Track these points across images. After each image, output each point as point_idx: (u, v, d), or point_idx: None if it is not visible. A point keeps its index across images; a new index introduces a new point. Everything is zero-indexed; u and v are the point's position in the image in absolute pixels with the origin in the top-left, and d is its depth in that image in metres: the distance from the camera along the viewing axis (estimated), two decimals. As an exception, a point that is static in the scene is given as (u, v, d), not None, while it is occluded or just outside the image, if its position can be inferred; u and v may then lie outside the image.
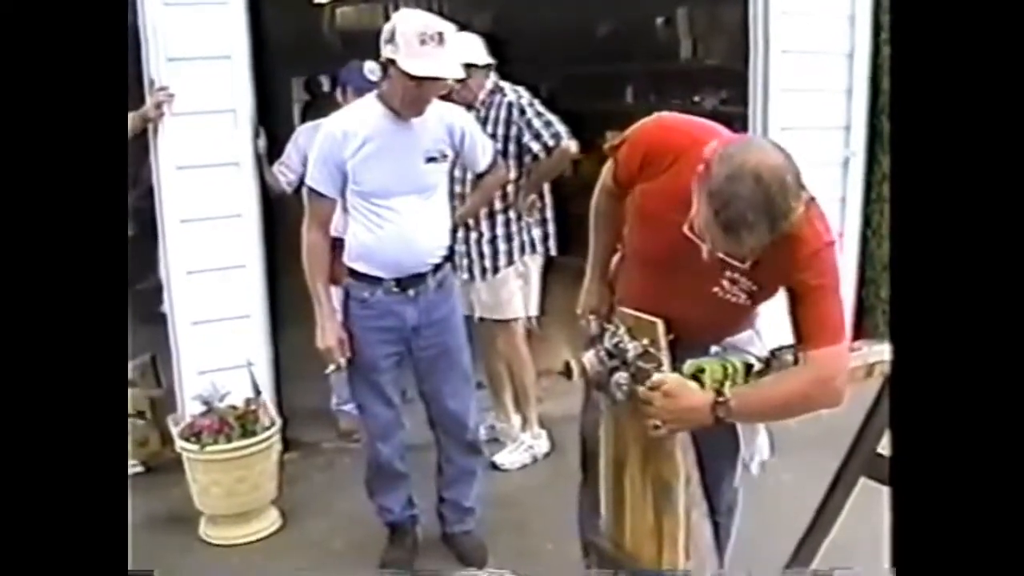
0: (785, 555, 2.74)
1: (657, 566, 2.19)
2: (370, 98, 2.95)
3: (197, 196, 3.77)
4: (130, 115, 3.48)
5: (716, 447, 2.30)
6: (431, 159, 2.95)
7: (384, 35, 2.78)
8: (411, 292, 3.00)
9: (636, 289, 2.30)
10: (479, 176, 3.37)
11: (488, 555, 3.29)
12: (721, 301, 2.12)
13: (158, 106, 3.63)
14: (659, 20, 7.01)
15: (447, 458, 3.29)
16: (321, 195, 2.95)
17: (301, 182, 4.15)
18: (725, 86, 5.96)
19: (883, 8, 4.77)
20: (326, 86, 4.09)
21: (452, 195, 3.45)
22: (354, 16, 8.70)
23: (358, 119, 2.92)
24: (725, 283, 2.10)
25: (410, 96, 2.82)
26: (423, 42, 2.72)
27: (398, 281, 2.98)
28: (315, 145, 2.99)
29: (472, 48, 3.80)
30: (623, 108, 6.56)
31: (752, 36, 4.65)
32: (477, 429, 3.38)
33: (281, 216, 4.63)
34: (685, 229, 1.95)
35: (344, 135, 2.88)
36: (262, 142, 3.96)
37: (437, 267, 3.05)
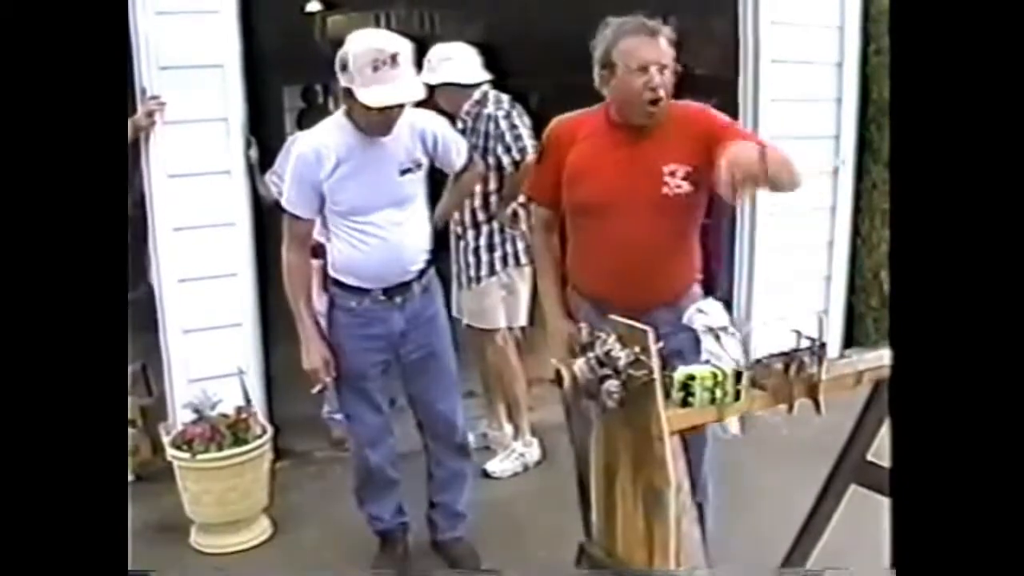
0: (776, 560, 2.75)
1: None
2: (338, 116, 2.90)
3: (189, 204, 3.77)
4: (122, 123, 3.49)
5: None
6: (406, 170, 2.92)
7: (338, 63, 2.75)
8: (398, 300, 3.01)
9: (599, 249, 2.59)
10: (456, 175, 3.30)
11: (480, 562, 3.28)
12: (673, 200, 2.49)
13: (149, 115, 3.64)
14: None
15: (437, 462, 3.28)
16: (298, 217, 2.94)
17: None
18: (715, 95, 5.93)
19: (871, 18, 4.81)
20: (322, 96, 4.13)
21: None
22: (345, 24, 8.67)
23: (329, 139, 2.88)
24: (668, 179, 2.47)
25: (374, 121, 2.80)
26: (376, 68, 2.68)
27: (385, 291, 2.99)
28: (289, 167, 2.97)
29: (467, 65, 3.82)
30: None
31: (742, 46, 4.68)
32: (465, 431, 3.38)
33: (273, 225, 4.62)
34: (612, 113, 2.55)
35: (317, 157, 2.85)
36: (254, 152, 3.97)
37: (421, 272, 3.05)
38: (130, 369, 4.05)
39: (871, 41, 4.85)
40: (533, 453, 4.17)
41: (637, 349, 2.08)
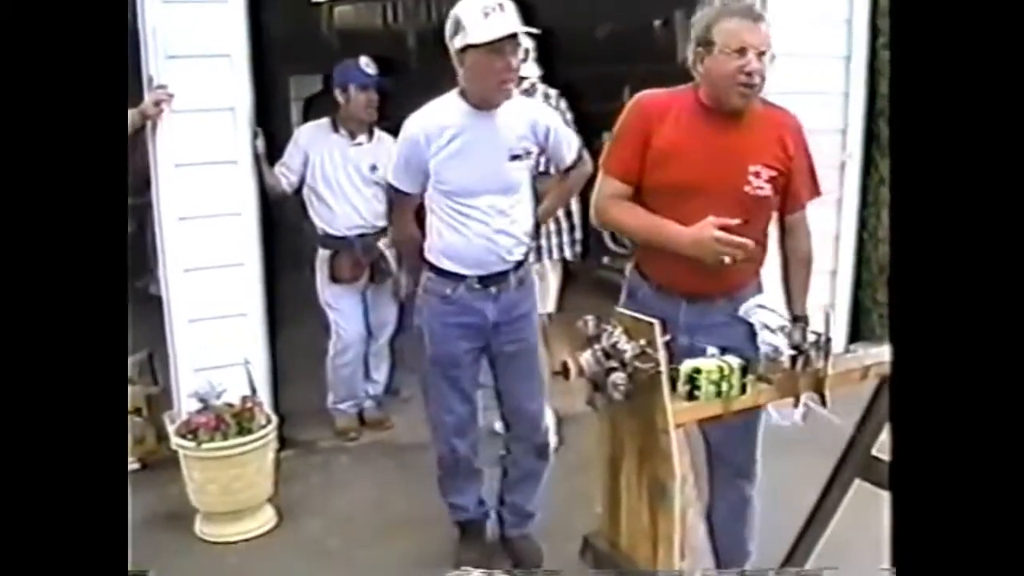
0: (779, 555, 2.76)
1: (652, 566, 2.19)
2: (452, 95, 2.88)
3: (195, 194, 3.77)
4: (129, 112, 3.48)
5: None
6: (515, 157, 2.90)
7: (449, 30, 2.79)
8: (492, 290, 2.96)
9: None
10: (565, 171, 3.21)
11: (543, 559, 3.22)
12: (752, 198, 2.48)
13: (157, 104, 3.63)
14: (657, 23, 7.03)
15: (514, 461, 3.26)
16: (406, 193, 2.96)
17: (302, 182, 4.19)
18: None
19: (880, 12, 4.78)
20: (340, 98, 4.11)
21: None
22: (352, 15, 8.71)
23: (441, 117, 2.87)
24: (752, 179, 2.47)
25: (490, 72, 2.76)
26: (486, 14, 2.71)
27: (480, 279, 2.95)
28: (397, 145, 2.98)
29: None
30: (621, 110, 6.55)
31: (750, 38, 4.66)
32: (547, 431, 3.33)
33: (280, 215, 4.64)
34: (701, 96, 2.52)
35: (426, 137, 2.84)
36: (260, 143, 3.96)
37: (519, 264, 3.01)
38: (136, 358, 4.07)
39: (879, 35, 4.82)
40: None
41: (643, 342, 2.08)
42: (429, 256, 2.99)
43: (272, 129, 4.21)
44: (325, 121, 4.27)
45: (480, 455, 3.24)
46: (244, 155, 3.89)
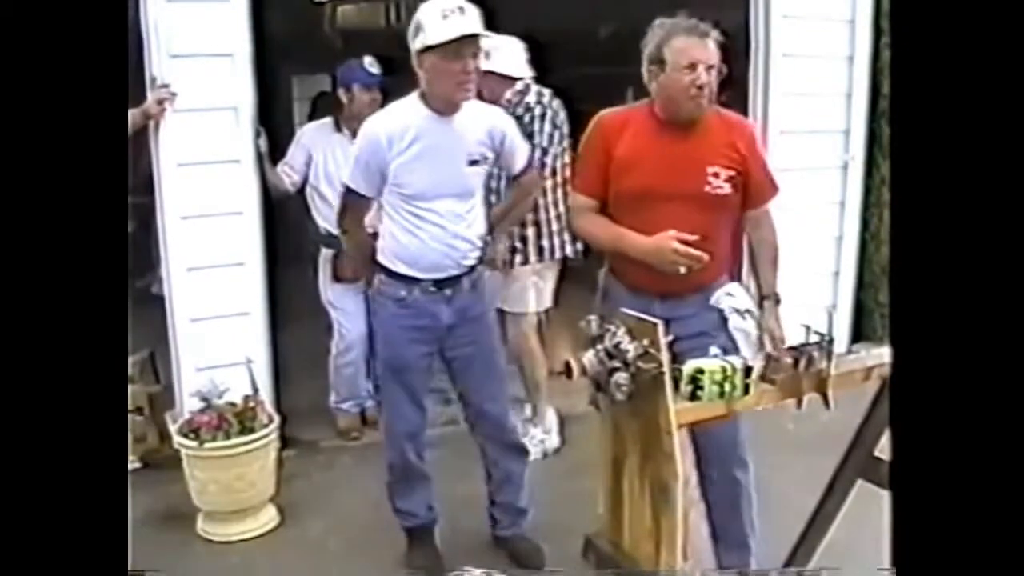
0: (781, 556, 2.75)
1: (655, 566, 2.19)
2: (412, 98, 2.89)
3: (198, 193, 3.77)
4: (132, 111, 3.48)
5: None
6: (473, 162, 2.92)
7: (411, 32, 2.80)
8: (447, 292, 2.98)
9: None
10: (514, 178, 3.27)
11: (544, 560, 3.19)
12: (713, 198, 2.66)
13: (159, 103, 3.63)
14: (660, 23, 7.03)
15: (493, 462, 3.27)
16: (361, 195, 2.95)
17: (304, 182, 4.19)
18: (725, 89, 5.93)
19: (883, 13, 4.78)
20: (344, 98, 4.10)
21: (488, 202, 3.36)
22: (355, 14, 8.71)
23: (402, 120, 2.87)
24: (710, 179, 2.64)
25: (448, 74, 2.76)
26: (445, 16, 2.71)
27: (435, 282, 2.96)
28: (356, 146, 2.96)
29: (515, 57, 3.88)
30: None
31: (753, 39, 4.66)
32: (515, 429, 3.35)
33: (281, 214, 4.64)
34: (657, 110, 2.68)
35: (388, 139, 2.83)
36: (263, 142, 3.97)
37: (472, 268, 3.03)
38: (138, 357, 4.07)
39: (882, 35, 4.82)
40: (552, 441, 4.17)
41: (646, 342, 2.08)
42: (382, 259, 3.00)
43: (275, 128, 4.21)
44: (328, 121, 4.28)
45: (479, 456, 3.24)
46: (247, 154, 3.89)
